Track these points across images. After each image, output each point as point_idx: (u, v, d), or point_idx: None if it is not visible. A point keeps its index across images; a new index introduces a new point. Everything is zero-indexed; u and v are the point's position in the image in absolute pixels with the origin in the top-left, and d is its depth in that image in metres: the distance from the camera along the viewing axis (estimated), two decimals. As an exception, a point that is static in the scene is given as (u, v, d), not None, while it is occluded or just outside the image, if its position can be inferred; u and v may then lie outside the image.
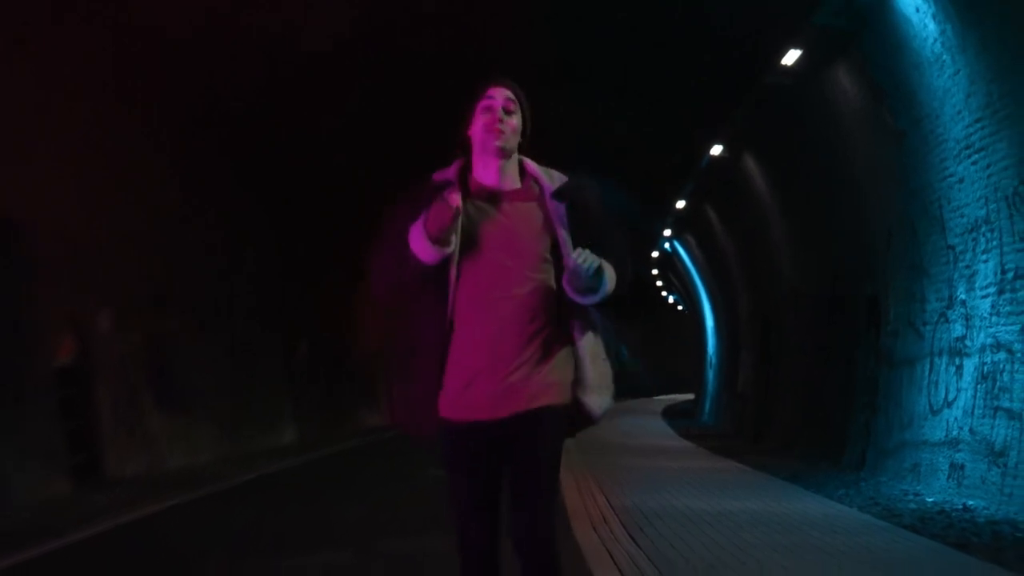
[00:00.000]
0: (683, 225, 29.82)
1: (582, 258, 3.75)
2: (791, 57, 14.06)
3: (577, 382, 3.97)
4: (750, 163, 20.13)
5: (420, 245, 3.82)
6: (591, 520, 9.47)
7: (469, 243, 3.91)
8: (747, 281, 25.62)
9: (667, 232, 31.67)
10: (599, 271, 3.81)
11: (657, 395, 65.88)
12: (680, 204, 26.23)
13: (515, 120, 3.97)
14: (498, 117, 3.93)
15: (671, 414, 38.71)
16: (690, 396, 46.13)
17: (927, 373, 12.69)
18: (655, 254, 37.57)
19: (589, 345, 3.98)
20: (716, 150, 19.83)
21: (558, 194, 3.97)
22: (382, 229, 4.03)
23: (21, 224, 11.89)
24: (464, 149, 4.04)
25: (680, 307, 53.71)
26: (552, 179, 4.02)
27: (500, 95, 3.97)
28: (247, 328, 19.62)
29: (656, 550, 7.88)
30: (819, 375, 17.95)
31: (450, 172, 4.00)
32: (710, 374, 35.05)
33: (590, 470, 14.67)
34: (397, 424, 4.07)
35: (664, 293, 52.32)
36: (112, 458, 14.14)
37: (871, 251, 14.98)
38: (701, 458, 17.94)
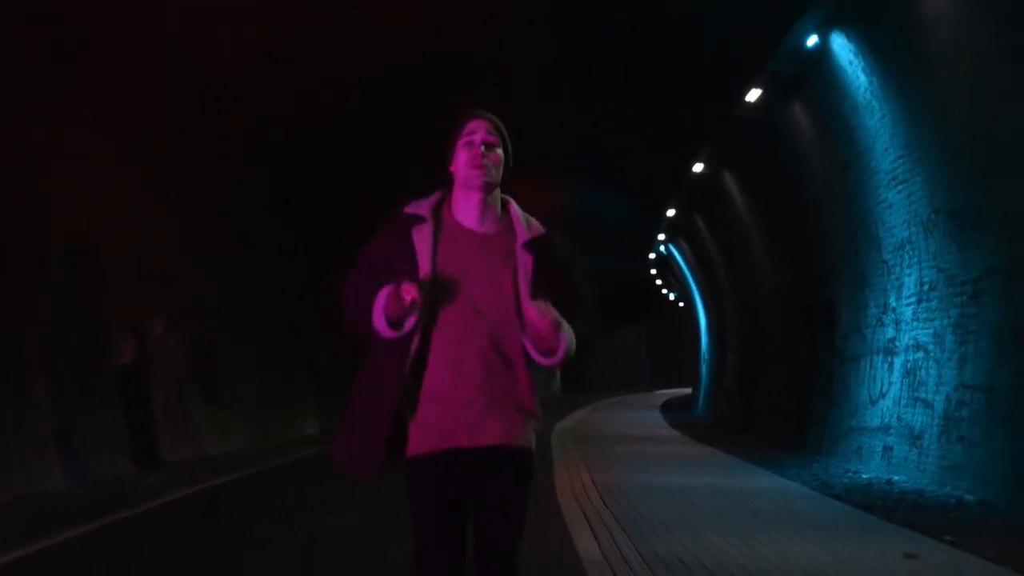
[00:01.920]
0: (675, 231, 31.73)
1: (540, 311, 3.68)
2: (753, 95, 16.13)
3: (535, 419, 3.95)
4: (729, 181, 22.18)
5: (380, 324, 3.79)
6: (573, 491, 11.55)
7: (444, 279, 3.83)
8: (731, 286, 27.66)
9: (661, 236, 33.58)
10: (556, 325, 3.71)
11: (660, 389, 67.92)
12: (671, 212, 28.19)
13: (498, 153, 3.89)
14: (480, 152, 3.84)
15: (669, 407, 40.37)
16: (690, 390, 47.80)
17: (868, 369, 14.75)
18: (652, 256, 39.38)
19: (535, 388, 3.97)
20: (698, 167, 21.86)
21: (529, 245, 3.88)
22: (356, 264, 3.99)
23: (93, 247, 13.98)
24: (446, 184, 3.97)
25: (681, 304, 55.40)
26: (529, 227, 3.93)
27: (481, 128, 3.89)
28: (276, 332, 21.67)
29: (622, 512, 9.95)
30: (789, 372, 20.02)
31: (424, 206, 3.93)
32: (704, 369, 36.98)
33: (581, 454, 16.70)
34: (337, 465, 3.95)
35: (665, 291, 54.03)
36: (165, 445, 16.22)
37: (828, 263, 17.03)
38: (684, 445, 20.01)
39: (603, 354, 71.16)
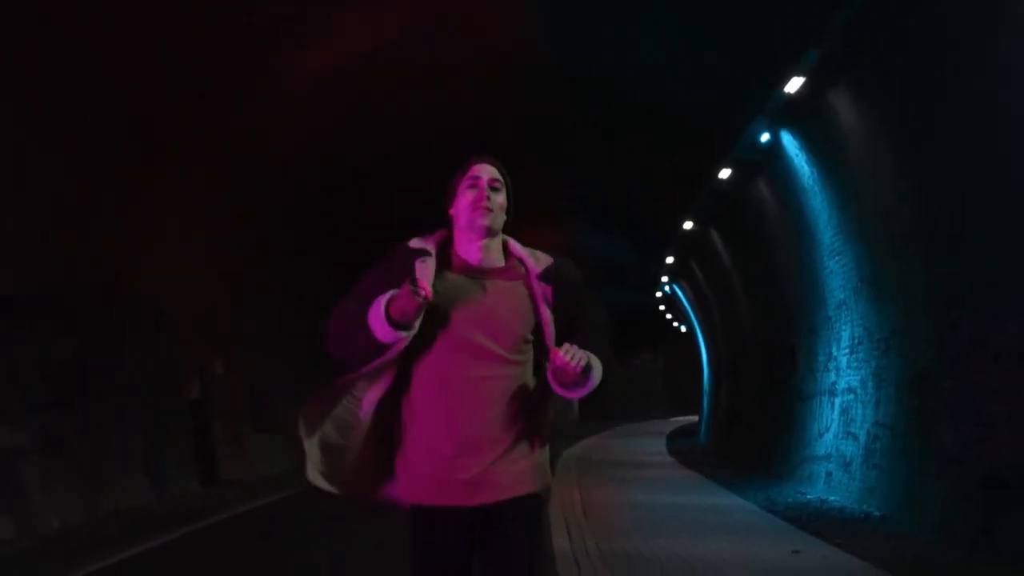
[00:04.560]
0: (676, 274, 34.55)
1: (571, 355, 3.62)
2: (725, 173, 18.99)
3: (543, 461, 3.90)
4: (715, 237, 25.03)
5: (378, 322, 3.68)
6: (562, 505, 14.31)
7: (444, 320, 3.74)
8: (722, 327, 30.45)
9: (664, 278, 36.38)
10: (587, 367, 3.69)
11: (674, 416, 70.27)
12: (670, 260, 31.06)
13: (501, 197, 3.87)
14: (485, 195, 3.82)
15: (676, 435, 42.14)
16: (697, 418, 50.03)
17: (817, 407, 17.49)
18: (659, 294, 42.11)
19: (548, 427, 3.93)
20: (688, 225, 24.71)
21: (545, 275, 3.85)
22: (349, 292, 3.93)
23: (165, 306, 16.88)
24: (448, 226, 3.93)
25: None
26: (537, 260, 3.90)
27: (486, 172, 3.87)
28: (312, 367, 24.52)
29: (597, 521, 12.72)
30: (762, 407, 22.77)
31: (429, 242, 3.89)
32: (705, 400, 39.63)
33: (578, 475, 19.44)
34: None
35: (675, 324, 56.57)
36: (223, 467, 19.08)
37: (790, 315, 19.79)
38: (671, 469, 22.75)
39: (621, 381, 73.55)
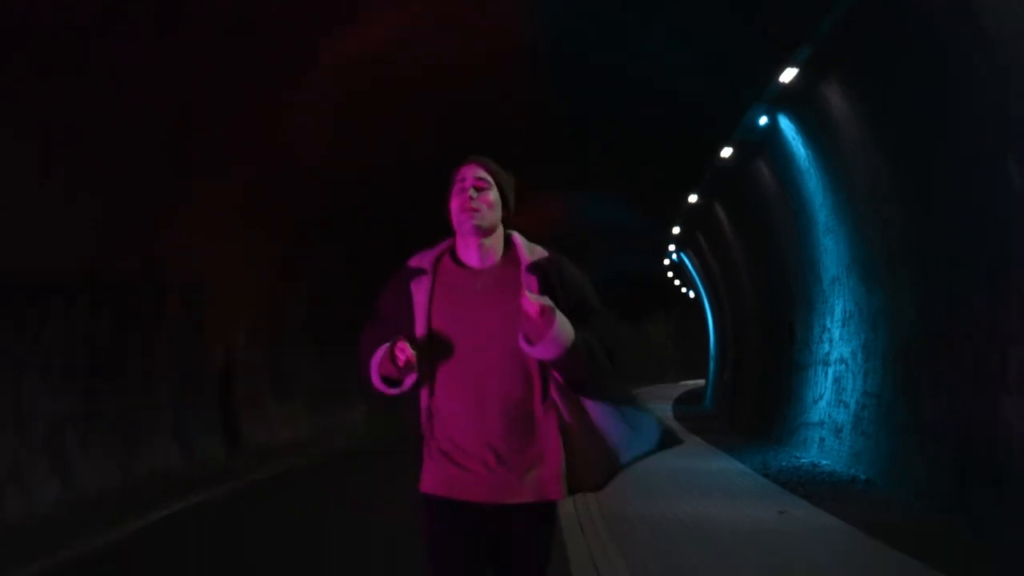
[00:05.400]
0: (683, 244, 35.37)
1: (533, 298, 3.65)
2: (726, 152, 19.79)
3: (569, 465, 3.95)
4: (720, 211, 25.85)
5: (375, 378, 3.88)
6: (569, 470, 15.21)
7: (449, 325, 3.83)
8: (727, 298, 31.32)
9: (671, 247, 37.18)
10: (547, 312, 3.66)
11: (683, 380, 71.15)
12: (676, 230, 31.88)
13: (490, 195, 3.89)
14: (468, 196, 3.86)
15: (683, 399, 43.07)
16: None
17: (812, 376, 18.37)
18: (666, 261, 42.93)
19: (577, 422, 3.93)
20: (693, 198, 25.53)
21: (532, 267, 3.90)
22: (369, 316, 4.07)
23: (201, 284, 17.79)
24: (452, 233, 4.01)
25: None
26: (531, 253, 3.96)
27: (470, 174, 3.91)
28: (330, 339, 25.46)
29: (601, 484, 13.62)
30: (765, 376, 23.67)
31: (427, 258, 3.96)
32: (712, 366, 40.50)
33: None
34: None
35: (684, 290, 57.32)
36: (246, 433, 20.03)
37: (789, 289, 20.65)
38: (675, 436, 23.59)
39: (633, 346, 74.28)
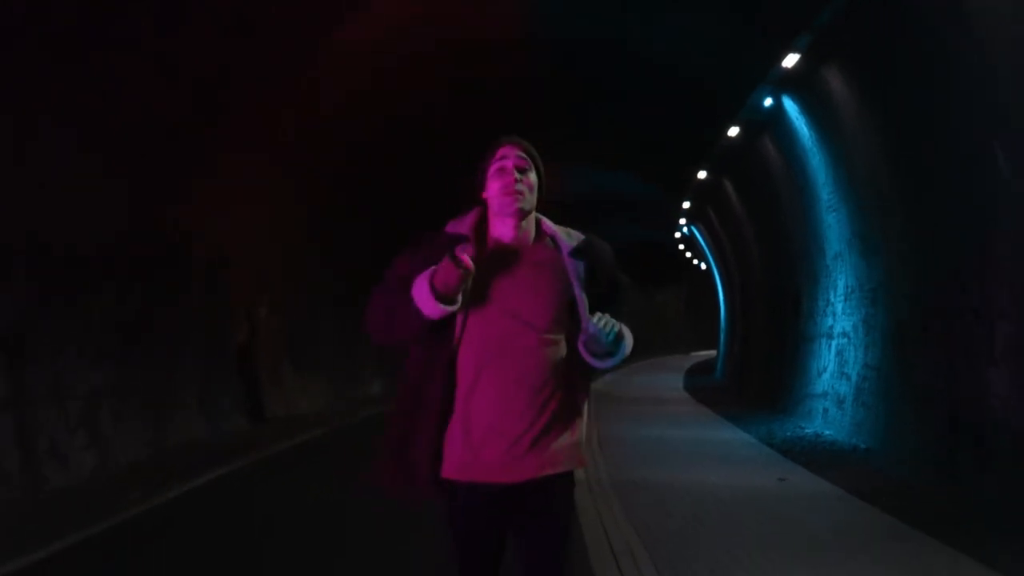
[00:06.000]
0: (693, 218, 35.89)
1: (603, 323, 3.69)
2: (733, 131, 20.31)
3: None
4: (729, 187, 26.38)
5: (424, 299, 3.73)
6: (580, 440, 15.82)
7: (481, 299, 3.80)
8: (736, 271, 31.86)
9: (682, 221, 37.70)
10: (619, 336, 3.76)
11: (695, 351, 71.62)
12: (686, 205, 32.41)
13: (531, 177, 3.89)
14: (514, 178, 3.84)
15: (694, 370, 43.60)
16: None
17: (817, 349, 18.94)
18: (677, 235, 43.45)
19: (584, 405, 4.00)
20: (702, 175, 26.06)
21: (576, 252, 3.89)
22: (384, 279, 3.98)
23: (226, 258, 18.40)
24: (482, 204, 3.97)
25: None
26: (570, 238, 3.94)
27: (512, 154, 3.89)
28: (347, 314, 26.06)
29: (610, 453, 14.24)
30: (770, 348, 24.23)
31: (464, 225, 3.93)
32: (722, 337, 41.03)
33: (598, 412, 20.87)
34: (386, 487, 3.98)
35: (696, 261, 57.76)
36: (267, 404, 20.68)
37: (795, 263, 21.19)
38: (685, 405, 24.26)
39: (647, 317, 74.85)
